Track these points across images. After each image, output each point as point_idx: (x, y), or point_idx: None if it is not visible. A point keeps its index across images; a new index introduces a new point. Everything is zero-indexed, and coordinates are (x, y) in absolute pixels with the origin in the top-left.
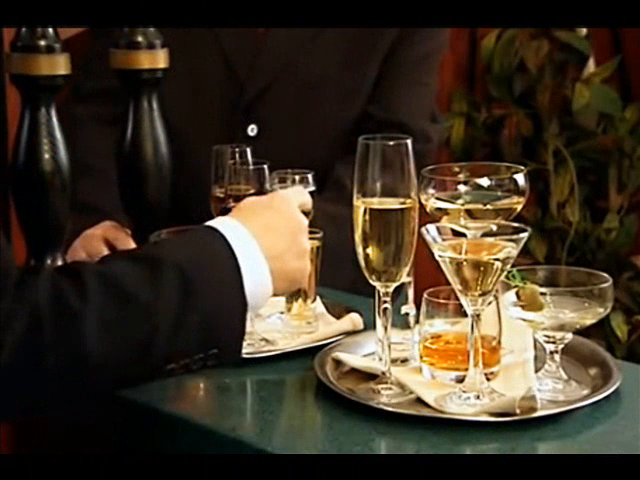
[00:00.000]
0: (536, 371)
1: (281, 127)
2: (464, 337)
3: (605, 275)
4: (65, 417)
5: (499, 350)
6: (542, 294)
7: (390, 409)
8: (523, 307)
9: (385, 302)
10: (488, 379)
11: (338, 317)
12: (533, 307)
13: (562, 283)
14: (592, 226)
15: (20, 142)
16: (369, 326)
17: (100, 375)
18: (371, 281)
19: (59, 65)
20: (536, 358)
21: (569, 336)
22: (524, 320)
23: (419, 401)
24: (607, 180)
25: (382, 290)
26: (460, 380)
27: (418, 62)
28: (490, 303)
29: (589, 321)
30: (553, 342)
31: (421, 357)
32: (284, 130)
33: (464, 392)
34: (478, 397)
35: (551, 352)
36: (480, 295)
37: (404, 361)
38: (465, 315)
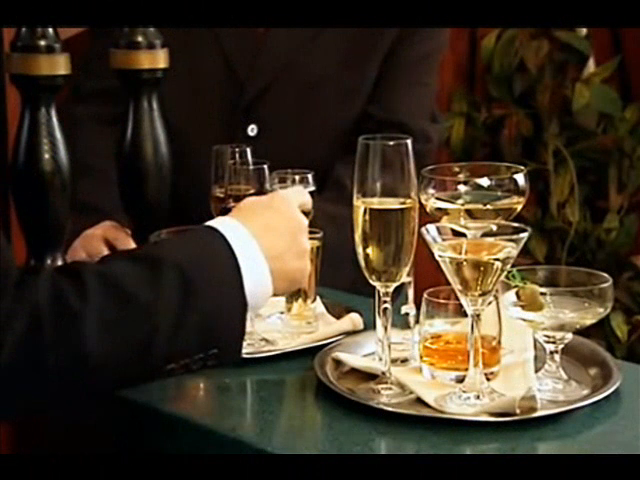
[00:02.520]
0: (536, 371)
1: (281, 127)
2: (464, 337)
3: (605, 275)
4: (65, 417)
5: (499, 350)
6: (542, 294)
7: (390, 409)
8: (523, 307)
9: (385, 302)
10: (488, 379)
11: (338, 317)
12: (533, 307)
13: (562, 283)
14: (592, 226)
15: (20, 142)
16: (369, 326)
17: (100, 375)
18: (371, 281)
19: (59, 65)
20: (536, 358)
21: (569, 336)
22: (524, 320)
23: (419, 401)
24: (607, 180)
25: (382, 290)
26: (460, 380)
27: (418, 62)
28: (490, 303)
29: (589, 321)
30: (553, 342)
31: (421, 357)
32: (284, 130)
33: (464, 392)
34: (478, 397)
35: (551, 352)
36: (480, 295)
37: (404, 361)
38: (465, 315)
